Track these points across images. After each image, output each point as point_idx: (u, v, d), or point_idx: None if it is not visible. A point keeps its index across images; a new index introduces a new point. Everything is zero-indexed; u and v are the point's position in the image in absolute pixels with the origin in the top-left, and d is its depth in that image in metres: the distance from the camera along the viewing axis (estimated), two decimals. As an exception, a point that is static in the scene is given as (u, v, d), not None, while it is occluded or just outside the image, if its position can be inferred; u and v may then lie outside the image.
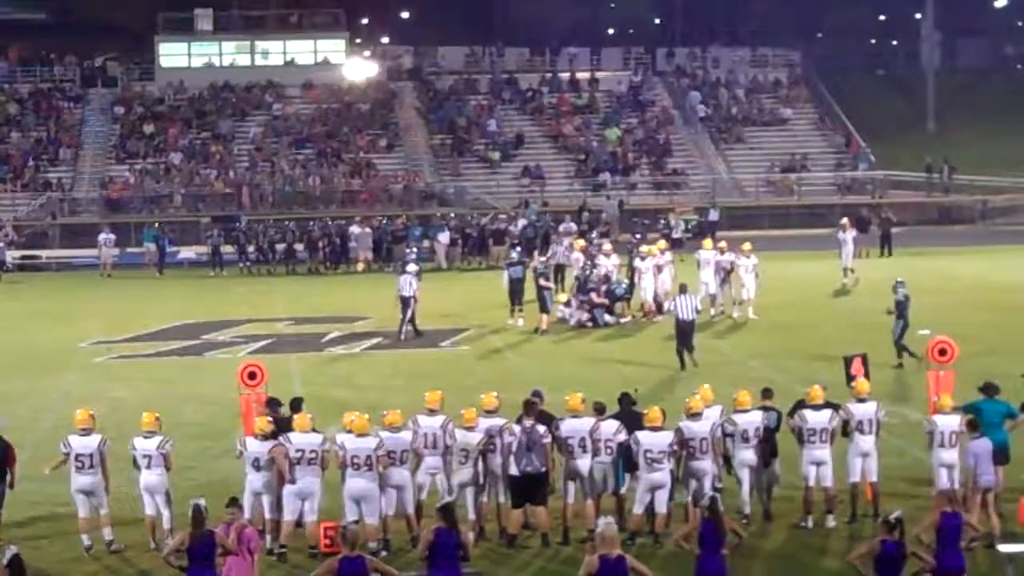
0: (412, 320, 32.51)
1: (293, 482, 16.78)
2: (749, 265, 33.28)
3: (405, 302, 32.38)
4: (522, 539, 17.30)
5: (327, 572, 13.19)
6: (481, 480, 17.41)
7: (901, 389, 22.09)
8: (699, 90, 69.02)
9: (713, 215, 54.30)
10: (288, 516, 16.87)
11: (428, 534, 14.10)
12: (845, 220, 40.31)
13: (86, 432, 17.63)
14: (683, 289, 29.18)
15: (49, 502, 19.39)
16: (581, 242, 37.15)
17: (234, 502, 14.87)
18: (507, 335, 32.97)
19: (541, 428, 17.23)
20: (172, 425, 18.80)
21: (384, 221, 49.45)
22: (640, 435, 17.18)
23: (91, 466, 17.35)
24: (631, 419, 17.66)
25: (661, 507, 17.10)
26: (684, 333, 27.99)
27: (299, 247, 48.04)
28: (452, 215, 50.62)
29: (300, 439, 16.89)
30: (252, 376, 18.67)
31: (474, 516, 17.20)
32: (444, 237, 47.04)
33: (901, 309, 27.14)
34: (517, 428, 17.23)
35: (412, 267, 33.35)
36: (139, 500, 17.55)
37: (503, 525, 17.45)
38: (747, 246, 33.82)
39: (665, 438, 17.11)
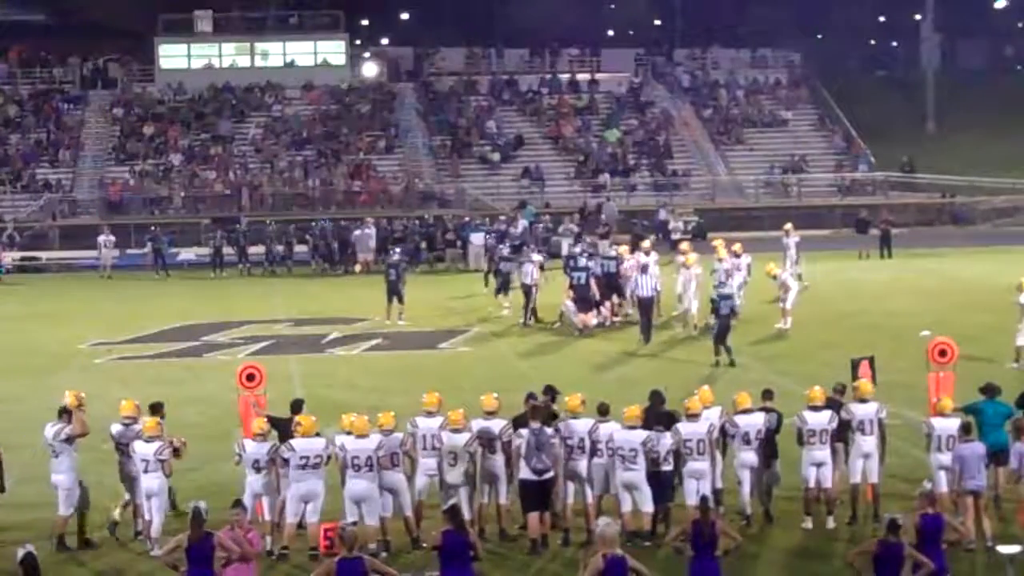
0: (534, 308, 33.71)
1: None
2: (788, 276, 32.84)
3: (527, 290, 33.66)
4: (517, 537, 17.30)
5: (325, 573, 13.18)
6: (474, 481, 17.35)
7: (902, 390, 22.07)
8: (698, 91, 69.14)
9: (663, 214, 54.20)
10: (291, 518, 16.88)
11: (437, 537, 14.12)
12: (789, 225, 39.26)
13: (127, 422, 17.86)
14: (644, 269, 31.46)
15: (49, 503, 19.37)
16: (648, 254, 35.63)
17: (239, 504, 14.89)
18: (508, 336, 32.97)
19: (549, 430, 17.22)
20: (172, 427, 18.78)
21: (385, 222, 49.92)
22: (615, 433, 17.22)
23: (129, 456, 17.52)
24: (661, 417, 17.66)
25: (643, 506, 17.09)
26: (645, 309, 30.92)
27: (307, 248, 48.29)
28: (487, 217, 50.87)
29: (303, 445, 16.89)
30: (251, 378, 18.65)
31: (470, 517, 17.17)
32: (477, 238, 46.99)
33: (715, 308, 28.74)
34: (525, 431, 17.19)
35: (536, 256, 34.91)
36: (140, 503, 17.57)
37: (503, 526, 17.43)
38: (772, 266, 33.40)
39: (637, 436, 17.09)
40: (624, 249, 35.19)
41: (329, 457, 16.97)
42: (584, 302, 32.85)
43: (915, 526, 14.13)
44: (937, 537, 14.25)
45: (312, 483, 16.84)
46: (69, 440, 17.56)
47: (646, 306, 31.19)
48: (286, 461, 16.90)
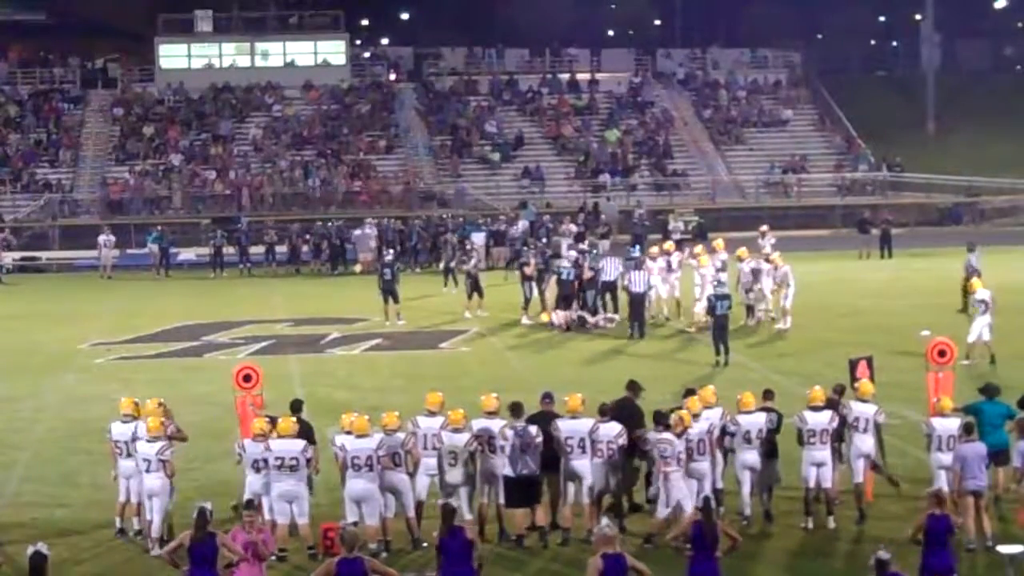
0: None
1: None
2: (782, 274, 32.67)
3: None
4: (518, 537, 17.32)
5: (325, 573, 13.19)
6: (475, 481, 17.36)
7: (902, 390, 22.08)
8: (698, 91, 69.19)
9: (637, 215, 53.99)
10: (281, 519, 16.87)
11: (436, 537, 14.17)
12: (765, 227, 38.80)
13: (126, 420, 17.83)
14: (637, 265, 32.20)
15: (49, 503, 19.40)
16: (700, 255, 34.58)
17: (251, 504, 14.90)
18: (507, 337, 32.99)
19: (532, 429, 17.24)
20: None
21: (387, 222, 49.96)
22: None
23: (128, 454, 17.52)
24: (661, 417, 17.66)
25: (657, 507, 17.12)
26: (636, 304, 31.64)
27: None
28: (488, 217, 50.92)
29: (279, 446, 16.88)
30: (247, 379, 18.65)
31: (470, 517, 17.17)
32: (479, 238, 46.93)
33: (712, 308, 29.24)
34: (510, 432, 17.22)
35: (572, 253, 35.07)
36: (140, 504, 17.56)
37: (503, 526, 17.44)
38: (776, 257, 33.27)
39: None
40: (656, 250, 35.05)
41: (309, 460, 16.91)
42: (565, 300, 33.28)
43: (922, 526, 14.10)
44: (945, 537, 14.22)
45: (290, 484, 16.77)
46: (170, 438, 17.53)
47: (637, 301, 31.69)
48: (265, 462, 16.91)
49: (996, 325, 28.44)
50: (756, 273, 32.96)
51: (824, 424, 17.61)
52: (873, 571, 12.97)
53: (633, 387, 18.81)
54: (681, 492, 16.81)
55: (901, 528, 16.94)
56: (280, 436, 16.94)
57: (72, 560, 16.97)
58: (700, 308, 32.43)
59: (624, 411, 18.09)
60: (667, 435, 17.05)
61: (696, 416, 17.50)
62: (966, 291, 32.56)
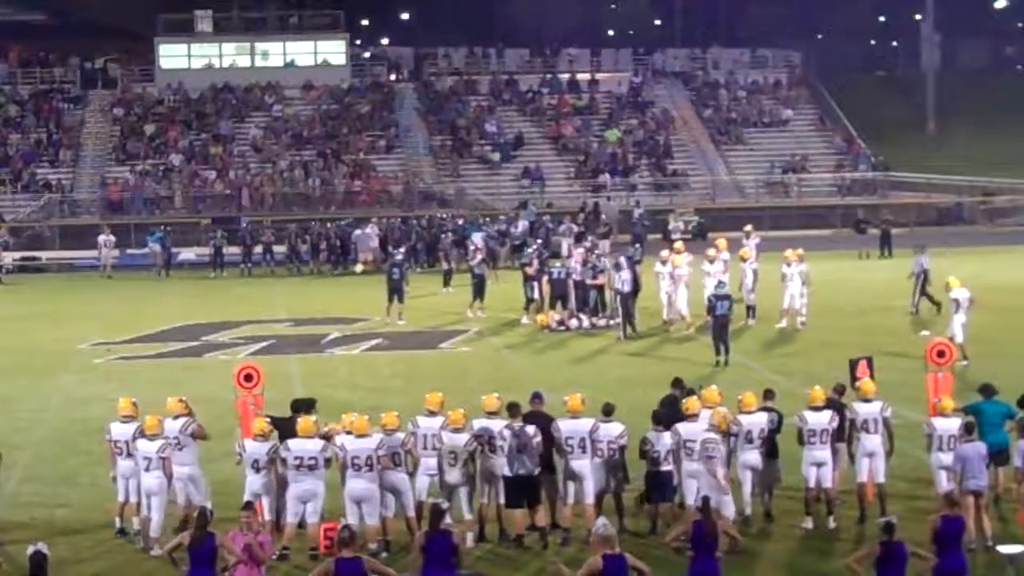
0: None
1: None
2: (794, 273, 32.57)
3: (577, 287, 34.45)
4: (518, 537, 17.31)
5: (325, 573, 13.20)
6: (474, 481, 17.36)
7: (902, 390, 22.07)
8: (698, 91, 69.19)
9: (636, 214, 54.02)
10: (291, 519, 16.89)
11: (419, 537, 14.15)
12: (749, 227, 38.62)
13: (126, 420, 17.83)
14: (619, 266, 32.10)
15: (49, 503, 19.41)
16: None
17: (249, 506, 14.88)
18: (507, 336, 32.98)
19: (530, 429, 17.24)
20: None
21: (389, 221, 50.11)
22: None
23: (128, 454, 17.52)
24: (661, 417, 17.71)
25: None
26: (625, 304, 31.72)
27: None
28: (488, 218, 50.99)
29: (298, 446, 16.89)
30: (248, 378, 18.65)
31: (470, 517, 17.17)
32: (479, 238, 46.94)
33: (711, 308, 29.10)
34: (507, 432, 17.22)
35: (578, 252, 35.28)
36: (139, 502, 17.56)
37: (503, 526, 17.43)
38: (789, 252, 33.17)
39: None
40: (667, 253, 34.93)
41: (328, 460, 16.93)
42: (560, 299, 33.48)
43: (935, 527, 14.12)
44: (957, 538, 14.24)
45: (308, 484, 16.81)
46: (193, 435, 17.62)
47: (626, 301, 31.76)
48: (284, 461, 16.94)
49: (995, 324, 28.40)
50: (783, 277, 32.76)
51: (824, 424, 17.61)
52: (882, 533, 13.32)
53: (678, 384, 18.82)
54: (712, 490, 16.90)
55: (901, 528, 16.95)
56: (301, 436, 16.93)
57: (72, 560, 16.97)
58: (685, 309, 32.56)
59: (671, 409, 18.08)
60: (713, 434, 17.09)
61: (695, 416, 17.51)
62: (929, 293, 32.86)
